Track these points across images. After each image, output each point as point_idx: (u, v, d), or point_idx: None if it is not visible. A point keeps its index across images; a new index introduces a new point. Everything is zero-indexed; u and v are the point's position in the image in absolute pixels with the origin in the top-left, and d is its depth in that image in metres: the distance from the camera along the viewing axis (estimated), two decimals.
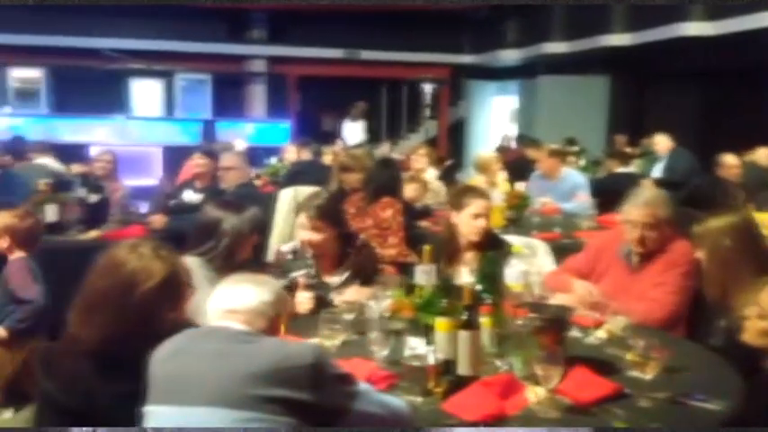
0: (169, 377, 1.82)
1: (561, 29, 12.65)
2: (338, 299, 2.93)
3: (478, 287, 2.45)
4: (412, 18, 14.06)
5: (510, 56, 14.15)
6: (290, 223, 5.35)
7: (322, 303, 2.86)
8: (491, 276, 2.60)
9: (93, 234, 4.72)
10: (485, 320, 2.36)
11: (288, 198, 6.05)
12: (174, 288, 2.14)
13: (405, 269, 3.36)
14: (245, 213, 2.94)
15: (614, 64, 13.03)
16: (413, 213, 5.15)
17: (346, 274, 3.17)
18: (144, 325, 2.06)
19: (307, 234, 3.13)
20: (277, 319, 1.94)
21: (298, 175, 6.83)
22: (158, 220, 4.89)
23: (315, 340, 2.40)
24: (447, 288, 2.46)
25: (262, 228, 2.96)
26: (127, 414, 1.88)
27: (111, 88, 13.72)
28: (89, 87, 13.59)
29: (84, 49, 13.19)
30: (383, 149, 11.06)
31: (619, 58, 12.38)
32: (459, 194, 3.47)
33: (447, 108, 16.39)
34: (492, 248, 3.23)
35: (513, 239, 3.78)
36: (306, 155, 8.16)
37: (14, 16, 12.50)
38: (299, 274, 2.95)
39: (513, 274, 2.77)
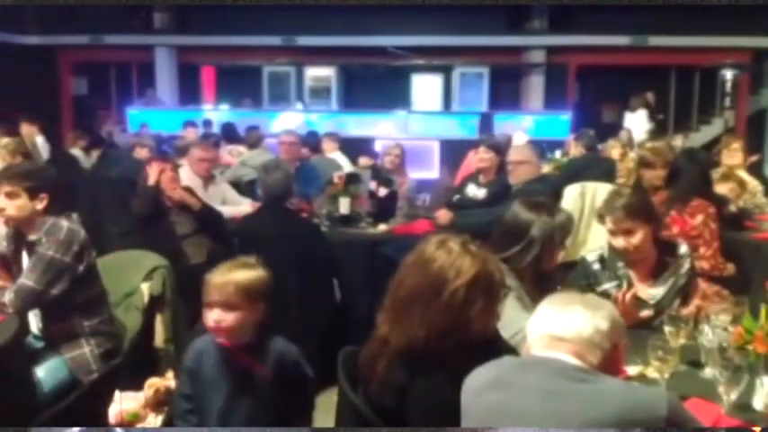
0: (487, 409, 1.60)
1: None
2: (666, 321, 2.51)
3: None
4: None
5: None
6: (582, 225, 4.95)
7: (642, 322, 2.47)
8: None
9: (382, 228, 4.75)
10: None
11: (574, 195, 5.64)
12: (486, 287, 1.93)
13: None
14: (556, 217, 2.60)
15: None
16: (727, 218, 4.46)
17: (666, 287, 2.73)
18: (454, 326, 1.89)
19: (619, 240, 2.74)
20: (613, 351, 1.61)
21: (582, 170, 6.36)
22: (444, 216, 4.78)
23: (637, 369, 2.04)
24: None
25: (570, 233, 2.61)
26: (441, 415, 1.76)
27: (395, 84, 14.27)
28: (374, 84, 14.28)
29: (372, 48, 13.83)
30: (676, 142, 10.11)
31: None
32: None
33: (747, 97, 14.63)
34: None
35: None
36: (583, 149, 7.63)
37: (313, 19, 13.51)
38: (610, 287, 2.59)
39: None
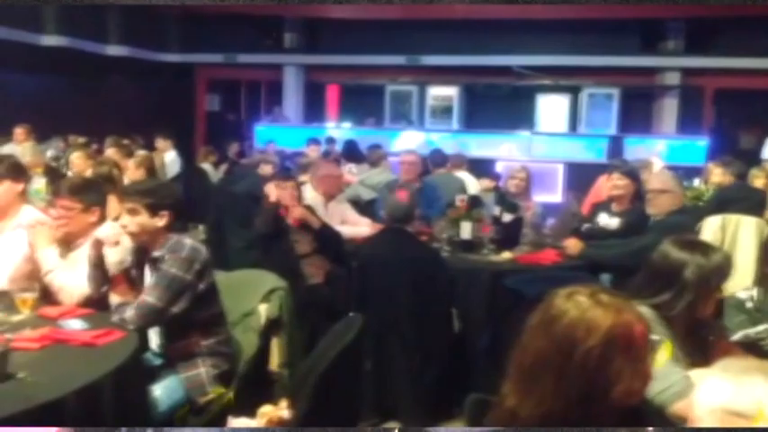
0: None
1: None
2: None
3: None
4: None
5: None
6: None
7: None
8: None
9: (506, 255, 4.51)
10: None
11: (714, 228, 5.21)
12: (624, 342, 1.65)
13: None
14: (712, 258, 2.27)
15: None
16: None
17: None
18: (593, 392, 1.62)
19: None
20: None
21: (732, 200, 5.84)
22: (574, 246, 4.49)
23: None
24: None
25: (728, 276, 2.29)
26: None
27: (518, 104, 13.95)
28: (497, 104, 14.03)
29: (497, 67, 13.61)
30: None
31: None
32: None
33: None
34: None
35: None
36: (729, 177, 7.05)
37: (437, 38, 13.48)
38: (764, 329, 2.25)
39: None
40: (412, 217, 3.89)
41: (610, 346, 1.62)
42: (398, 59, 14.12)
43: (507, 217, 4.85)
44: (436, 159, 7.26)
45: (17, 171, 3.41)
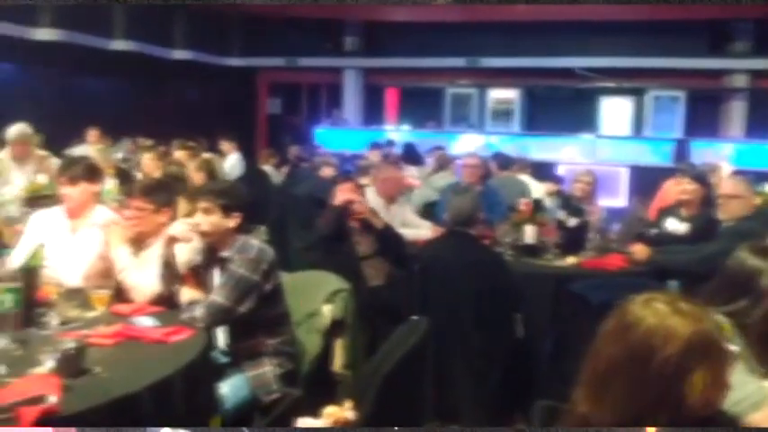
0: None
1: None
2: None
3: None
4: None
5: None
6: None
7: None
8: None
9: (570, 260, 4.44)
10: None
11: None
12: (703, 354, 1.60)
13: None
14: None
15: None
16: None
17: None
18: (665, 404, 1.59)
19: None
20: None
21: None
22: (641, 251, 4.39)
23: None
24: None
25: None
26: None
27: (581, 107, 13.74)
28: (559, 106, 13.85)
29: (558, 69, 13.44)
30: None
31: None
32: None
33: None
34: None
35: None
36: None
37: (498, 40, 13.38)
38: None
39: None
40: (475, 220, 3.86)
41: (688, 355, 1.58)
42: (458, 62, 14.07)
43: (572, 221, 4.78)
44: (500, 162, 7.20)
45: (93, 173, 3.52)
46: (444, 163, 7.57)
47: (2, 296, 2.51)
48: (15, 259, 3.14)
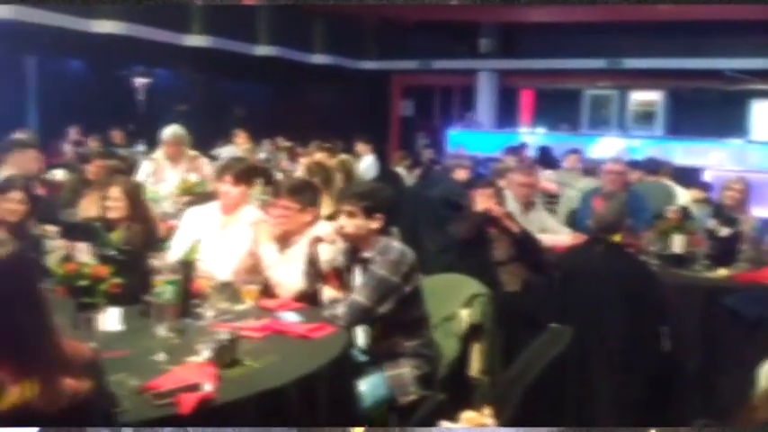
0: None
1: None
2: None
3: None
4: None
5: None
6: None
7: None
8: None
9: (722, 273, 4.19)
10: None
11: None
12: None
13: None
14: None
15: None
16: None
17: None
18: None
19: None
20: None
21: None
22: None
23: None
24: None
25: None
26: None
27: (729, 110, 12.98)
28: (706, 109, 13.13)
29: (705, 71, 12.75)
30: None
31: None
32: None
33: None
34: None
35: None
36: None
37: (641, 40, 12.84)
38: None
39: None
40: (621, 227, 3.71)
41: None
42: (598, 63, 13.65)
43: (724, 231, 4.50)
44: (649, 167, 6.88)
45: (254, 176, 3.69)
46: (594, 168, 7.30)
47: (162, 287, 2.67)
48: (173, 253, 3.33)
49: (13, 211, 3.56)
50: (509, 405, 2.48)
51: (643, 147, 11.50)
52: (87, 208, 4.63)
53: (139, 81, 11.75)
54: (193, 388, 2.10)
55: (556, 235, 4.96)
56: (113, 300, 2.71)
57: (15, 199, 3.56)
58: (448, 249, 4.87)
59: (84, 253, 2.71)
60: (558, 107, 14.47)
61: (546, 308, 3.84)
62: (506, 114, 15.21)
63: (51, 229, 3.92)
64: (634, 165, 7.05)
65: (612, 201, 3.69)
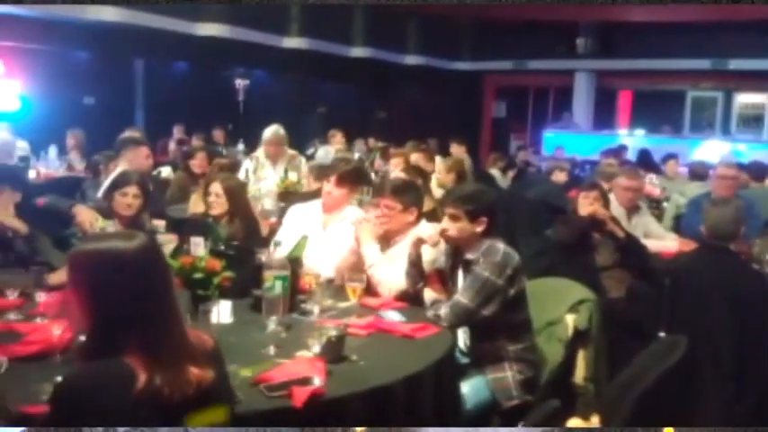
0: None
1: None
2: None
3: None
4: None
5: None
6: None
7: None
8: None
9: None
10: None
11: None
12: None
13: None
14: None
15: None
16: None
17: None
18: None
19: None
20: None
21: None
22: None
23: None
24: None
25: None
26: None
27: None
28: None
29: None
30: None
31: None
32: None
33: None
34: None
35: None
36: None
37: (748, 40, 12.27)
38: None
39: None
40: (737, 235, 3.54)
41: None
42: (702, 63, 13.12)
43: None
44: (756, 172, 6.57)
45: (361, 179, 3.73)
46: (704, 173, 7.01)
47: (272, 282, 2.74)
48: (279, 250, 3.40)
49: (130, 206, 3.71)
50: (619, 414, 2.41)
51: (749, 151, 10.96)
52: (196, 203, 4.79)
53: (239, 82, 12.09)
54: (305, 381, 2.14)
55: (661, 241, 4.80)
56: (223, 293, 2.80)
57: (131, 193, 3.71)
58: (544, 253, 4.78)
59: (200, 247, 2.80)
60: (658, 109, 13.98)
61: (653, 315, 3.72)
62: (603, 116, 14.82)
63: (160, 223, 4.07)
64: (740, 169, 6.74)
65: (727, 207, 3.52)
